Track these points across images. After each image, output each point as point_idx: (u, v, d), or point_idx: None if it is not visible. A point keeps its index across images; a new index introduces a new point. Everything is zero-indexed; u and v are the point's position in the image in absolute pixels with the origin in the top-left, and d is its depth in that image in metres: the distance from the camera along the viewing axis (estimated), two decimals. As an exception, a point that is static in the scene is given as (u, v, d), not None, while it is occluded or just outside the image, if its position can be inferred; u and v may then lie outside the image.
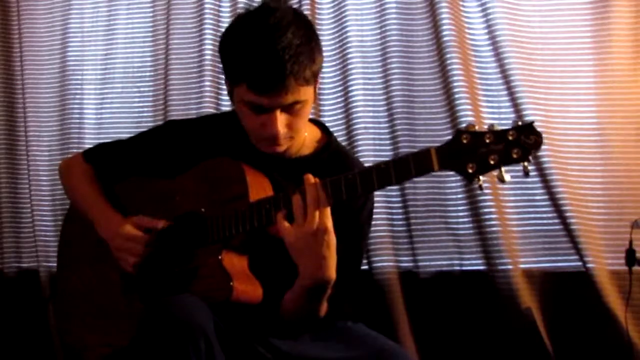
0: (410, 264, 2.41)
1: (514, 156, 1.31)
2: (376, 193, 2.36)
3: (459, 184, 2.38)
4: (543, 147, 2.24)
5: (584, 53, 2.35)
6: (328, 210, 1.47)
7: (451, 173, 2.30)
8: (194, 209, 1.68)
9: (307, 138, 1.74)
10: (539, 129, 1.32)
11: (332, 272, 1.51)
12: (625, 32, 2.33)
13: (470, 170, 1.35)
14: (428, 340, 2.34)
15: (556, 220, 2.31)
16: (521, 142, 1.31)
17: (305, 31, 1.59)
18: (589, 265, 2.25)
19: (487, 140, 1.33)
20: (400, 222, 2.42)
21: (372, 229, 2.35)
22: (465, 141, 1.35)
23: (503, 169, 1.33)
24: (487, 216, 2.32)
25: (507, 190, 2.36)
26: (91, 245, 1.83)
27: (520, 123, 1.32)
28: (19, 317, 2.64)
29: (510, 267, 2.30)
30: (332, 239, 1.48)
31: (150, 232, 1.72)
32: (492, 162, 1.33)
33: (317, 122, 1.84)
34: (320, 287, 1.53)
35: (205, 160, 1.70)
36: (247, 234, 1.59)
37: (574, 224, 2.27)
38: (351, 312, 1.81)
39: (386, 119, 2.43)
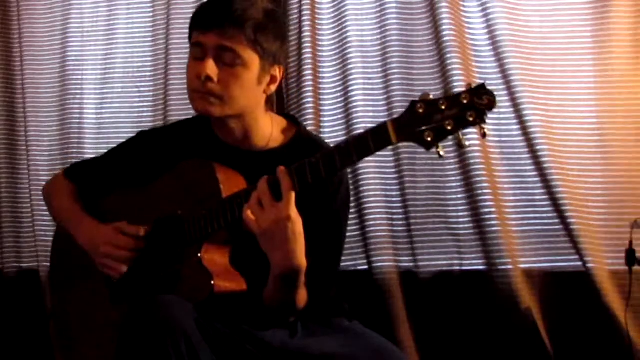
0: (410, 264, 2.41)
1: (470, 119, 1.31)
2: (376, 192, 2.38)
3: (459, 183, 2.38)
4: (543, 147, 2.29)
5: (584, 53, 2.35)
6: (291, 199, 1.47)
7: (451, 172, 2.36)
8: (171, 212, 1.69)
9: (274, 130, 1.76)
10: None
11: (301, 260, 1.51)
12: (625, 32, 2.32)
13: (428, 139, 1.35)
14: (428, 340, 2.34)
15: (556, 220, 2.31)
16: (475, 104, 1.31)
17: (273, 13, 1.68)
18: (589, 265, 2.25)
19: (442, 107, 1.33)
20: (400, 222, 2.42)
21: (372, 228, 2.38)
22: (420, 110, 1.36)
23: (461, 133, 1.34)
24: (487, 216, 2.32)
25: (507, 190, 2.36)
26: (80, 262, 1.84)
27: (472, 85, 1.32)
28: (20, 317, 2.64)
29: (510, 267, 2.30)
30: (298, 227, 1.48)
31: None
32: (448, 128, 1.33)
33: (284, 115, 1.86)
34: (292, 276, 1.53)
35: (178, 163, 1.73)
36: (226, 230, 1.60)
37: (574, 224, 2.27)
38: (347, 310, 1.81)
39: (386, 119, 2.42)
